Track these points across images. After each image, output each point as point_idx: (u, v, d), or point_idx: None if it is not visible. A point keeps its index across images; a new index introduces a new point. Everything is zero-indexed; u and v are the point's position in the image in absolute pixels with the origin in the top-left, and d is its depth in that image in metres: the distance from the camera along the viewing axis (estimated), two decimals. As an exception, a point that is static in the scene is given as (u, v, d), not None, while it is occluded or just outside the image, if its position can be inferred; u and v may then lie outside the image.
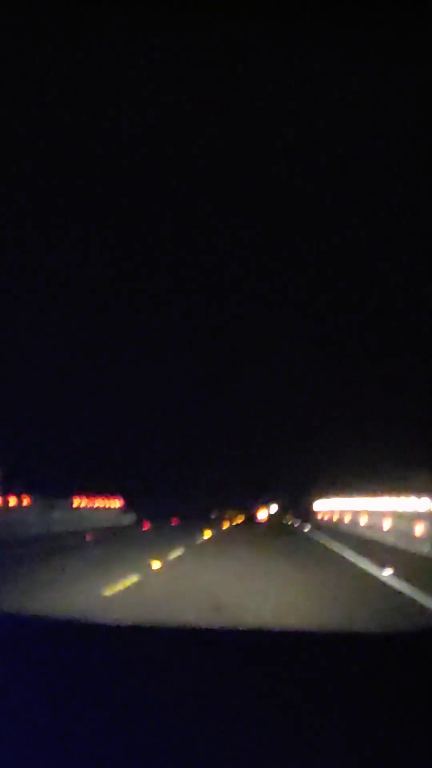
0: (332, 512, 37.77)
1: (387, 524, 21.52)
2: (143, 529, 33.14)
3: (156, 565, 12.26)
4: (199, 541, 20.39)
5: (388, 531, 21.11)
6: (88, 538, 22.90)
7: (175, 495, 61.24)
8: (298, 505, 58.69)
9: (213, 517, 57.06)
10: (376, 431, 41.94)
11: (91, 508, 34.57)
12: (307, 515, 47.84)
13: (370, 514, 25.33)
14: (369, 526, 24.80)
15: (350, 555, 15.34)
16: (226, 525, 38.26)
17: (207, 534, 24.28)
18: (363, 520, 26.49)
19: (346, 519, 31.32)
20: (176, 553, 15.04)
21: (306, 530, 32.33)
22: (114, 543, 20.40)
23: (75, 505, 32.15)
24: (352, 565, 13.16)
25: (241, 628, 5.36)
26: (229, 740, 2.20)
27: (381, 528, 22.09)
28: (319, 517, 43.44)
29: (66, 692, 2.58)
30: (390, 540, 20.10)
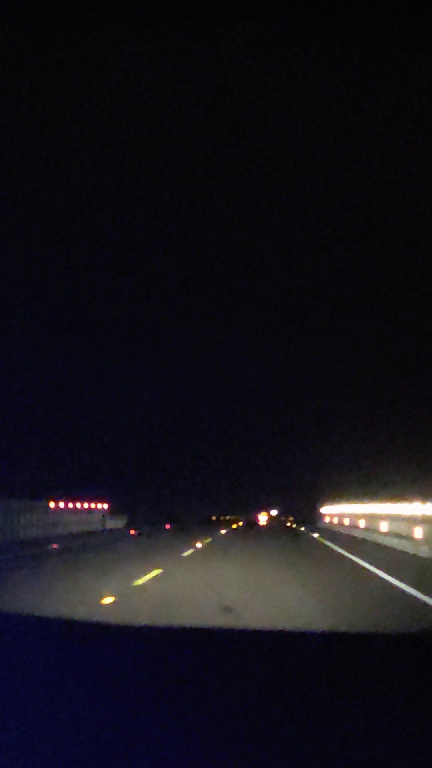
0: (342, 516, 34.04)
1: (419, 532, 17.70)
2: (129, 534, 29.18)
3: (108, 599, 8.09)
4: (187, 553, 16.16)
5: (420, 540, 17.34)
6: (55, 547, 19.10)
7: (172, 497, 58.54)
8: (301, 508, 56.53)
9: (213, 519, 55.07)
10: (389, 429, 38.78)
11: (72, 511, 30.55)
12: (313, 520, 44.72)
13: (393, 519, 21.57)
14: (393, 534, 21.13)
15: (389, 577, 11.24)
16: (223, 530, 34.14)
17: (198, 543, 20.05)
18: (383, 526, 22.75)
19: (361, 524, 27.61)
20: (150, 574, 10.92)
21: (315, 536, 28.34)
22: (80, 555, 16.20)
23: (53, 507, 28.13)
24: (405, 598, 9.03)
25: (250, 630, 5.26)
26: (232, 742, 2.16)
27: (411, 536, 18.23)
28: (326, 521, 39.87)
29: (68, 692, 2.52)
30: (425, 551, 16.46)
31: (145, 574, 10.80)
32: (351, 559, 15.30)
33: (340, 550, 17.99)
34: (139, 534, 29.56)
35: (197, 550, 17.60)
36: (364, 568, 13.08)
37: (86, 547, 19.14)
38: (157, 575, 10.90)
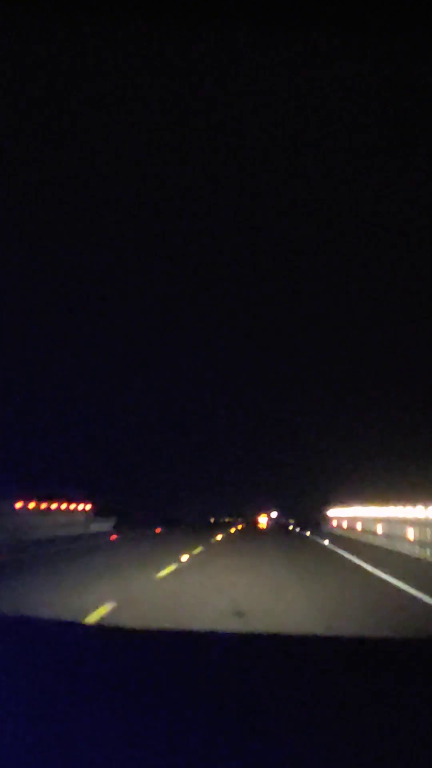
0: (354, 520, 30.19)
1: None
2: (110, 540, 25.36)
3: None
4: (165, 572, 12.15)
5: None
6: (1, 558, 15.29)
7: (167, 497, 56.12)
8: (304, 511, 53.68)
9: (211, 521, 53.18)
10: (409, 423, 35.27)
11: (50, 513, 26.79)
12: (318, 524, 41.24)
13: (424, 525, 17.85)
14: (424, 543, 17.37)
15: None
16: (219, 536, 30.21)
17: (185, 555, 16.01)
18: (410, 534, 19.01)
19: (378, 530, 23.82)
20: (91, 617, 6.94)
21: (326, 544, 24.49)
22: (18, 574, 12.18)
23: (21, 508, 24.39)
24: None
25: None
26: (236, 744, 2.12)
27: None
28: (334, 524, 36.19)
29: (69, 695, 2.51)
30: None
31: (84, 617, 6.80)
32: (392, 583, 11.34)
33: (376, 572, 13.98)
34: (121, 540, 25.73)
35: (181, 565, 13.60)
36: (416, 598, 9.13)
37: (39, 559, 15.17)
38: (113, 610, 6.90)
